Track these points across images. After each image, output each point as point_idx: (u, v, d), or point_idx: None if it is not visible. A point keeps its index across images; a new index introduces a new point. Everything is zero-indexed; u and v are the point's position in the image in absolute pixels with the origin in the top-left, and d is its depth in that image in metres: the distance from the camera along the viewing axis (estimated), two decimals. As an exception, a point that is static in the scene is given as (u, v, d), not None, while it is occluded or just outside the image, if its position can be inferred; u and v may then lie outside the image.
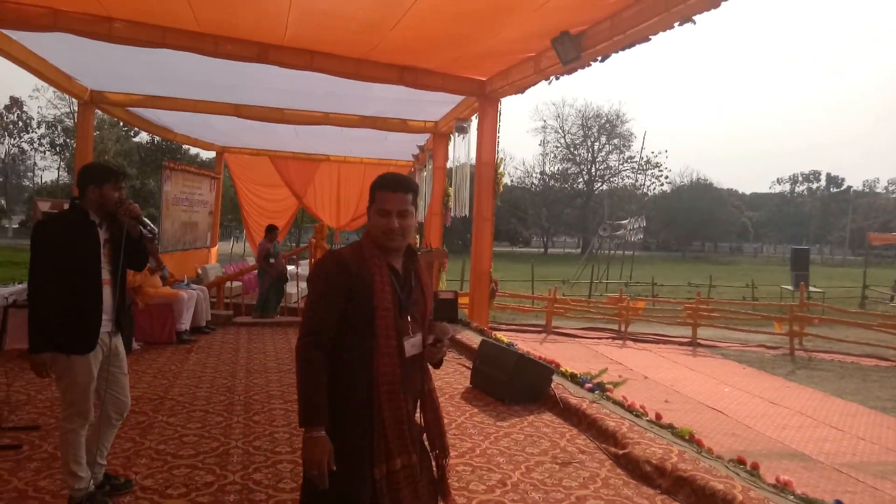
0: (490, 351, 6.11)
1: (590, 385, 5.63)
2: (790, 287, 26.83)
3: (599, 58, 6.54)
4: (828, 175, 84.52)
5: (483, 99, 9.03)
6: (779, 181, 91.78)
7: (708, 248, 78.60)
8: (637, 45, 5.87)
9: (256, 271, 11.67)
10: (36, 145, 53.18)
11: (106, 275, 3.24)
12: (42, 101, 64.36)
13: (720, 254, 75.64)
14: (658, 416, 4.80)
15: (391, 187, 2.16)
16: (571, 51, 6.48)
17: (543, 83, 7.86)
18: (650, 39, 5.70)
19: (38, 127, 52.27)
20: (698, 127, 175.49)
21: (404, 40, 7.04)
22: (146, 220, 3.34)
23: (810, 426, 9.02)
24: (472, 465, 4.05)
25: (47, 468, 3.73)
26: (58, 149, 51.87)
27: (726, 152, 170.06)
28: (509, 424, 4.95)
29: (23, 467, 3.73)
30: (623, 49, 6.19)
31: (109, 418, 3.35)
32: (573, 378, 5.84)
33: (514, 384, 5.53)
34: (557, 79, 7.53)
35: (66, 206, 3.48)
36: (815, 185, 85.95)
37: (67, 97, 46.66)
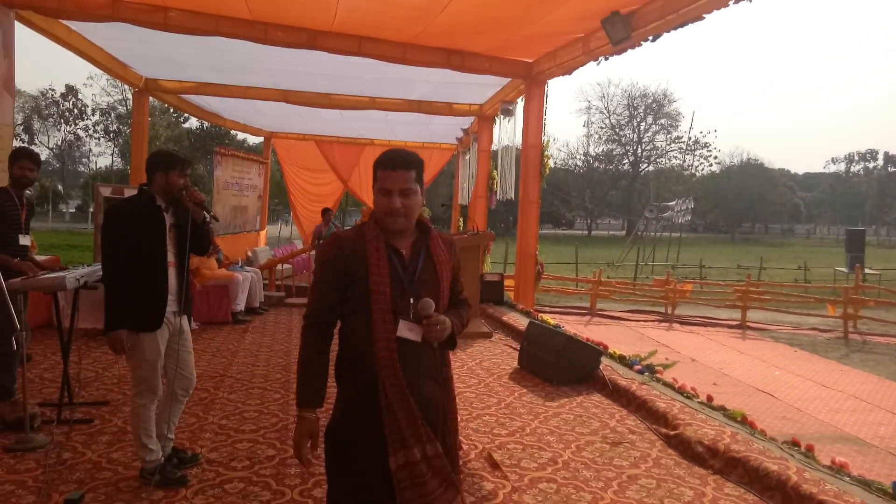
0: (538, 332, 6.15)
1: (639, 367, 5.64)
2: (844, 269, 26.07)
3: (650, 37, 6.44)
4: (885, 154, 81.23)
5: (530, 81, 8.98)
6: (833, 161, 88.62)
7: (758, 229, 76.70)
8: (689, 24, 5.77)
9: (312, 254, 11.99)
10: (91, 132, 54.80)
11: (171, 258, 3.40)
12: (96, 88, 66.19)
13: (771, 235, 73.79)
14: (709, 398, 4.79)
15: (392, 165, 2.05)
16: (622, 31, 6.40)
17: (591, 64, 7.79)
18: (703, 18, 5.59)
19: (93, 114, 53.85)
20: (749, 106, 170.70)
21: (452, 24, 7.06)
22: (208, 207, 3.49)
23: (864, 410, 8.83)
24: (523, 444, 4.11)
25: (118, 441, 3.93)
26: (111, 135, 53.41)
27: (778, 132, 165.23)
28: (558, 405, 5.00)
29: (95, 440, 3.94)
30: (675, 28, 6.08)
31: (176, 394, 3.52)
32: (622, 360, 5.85)
33: (562, 365, 5.57)
34: (606, 59, 7.44)
35: (126, 192, 3.64)
36: (871, 165, 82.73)
37: (120, 85, 47.96)
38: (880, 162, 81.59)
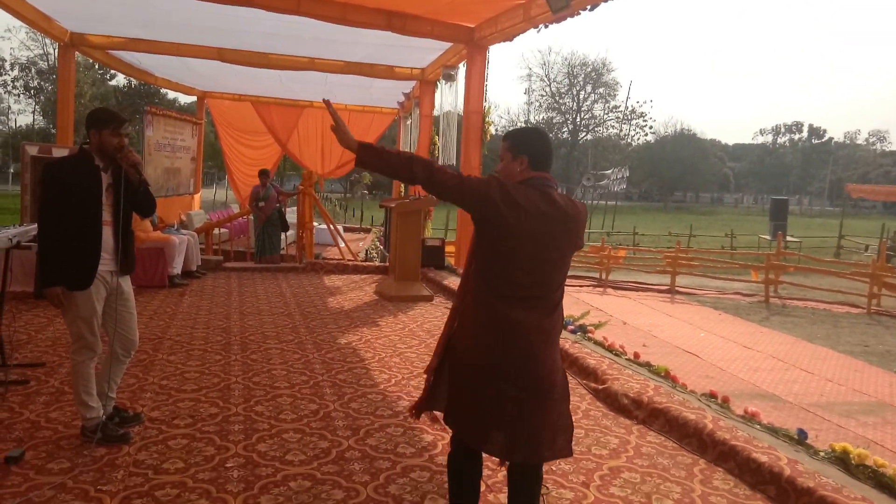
0: (477, 294, 6.30)
1: (572, 327, 5.88)
2: (768, 237, 27.35)
3: (589, 6, 6.56)
4: (810, 126, 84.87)
5: (471, 46, 9.01)
6: (761, 132, 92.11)
7: (690, 198, 79.23)
8: (625, -5, 5.90)
9: (249, 217, 11.83)
10: (9, 88, 51.64)
11: (107, 217, 3.38)
12: (14, 42, 62.37)
13: (701, 204, 76.37)
14: (636, 355, 5.06)
15: None
16: (561, -1, 6.50)
17: (532, 31, 7.88)
18: (638, -11, 5.73)
19: (12, 69, 50.68)
20: (683, 76, 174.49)
21: (393, -15, 7.01)
22: (141, 171, 3.46)
23: (781, 369, 9.42)
24: (462, 400, 4.28)
25: (56, 401, 3.90)
26: (32, 92, 50.49)
27: (711, 102, 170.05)
28: (496, 363, 5.18)
29: (32, 401, 3.90)
30: (612, -2, 6.23)
31: (117, 354, 3.52)
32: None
33: (499, 326, 5.73)
34: (546, 27, 7.54)
35: (54, 151, 3.59)
36: (797, 137, 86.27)
37: (41, 38, 45.29)
38: (805, 134, 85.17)
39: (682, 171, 67.87)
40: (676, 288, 16.31)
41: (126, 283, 3.54)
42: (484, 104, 9.28)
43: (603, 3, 6.46)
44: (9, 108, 54.74)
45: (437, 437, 3.64)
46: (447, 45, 9.83)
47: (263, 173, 10.87)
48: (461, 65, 9.93)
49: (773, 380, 8.78)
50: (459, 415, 2.38)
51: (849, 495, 2.80)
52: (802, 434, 3.43)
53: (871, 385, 8.92)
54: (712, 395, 4.07)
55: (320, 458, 3.28)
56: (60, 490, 2.85)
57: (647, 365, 4.74)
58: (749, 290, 16.62)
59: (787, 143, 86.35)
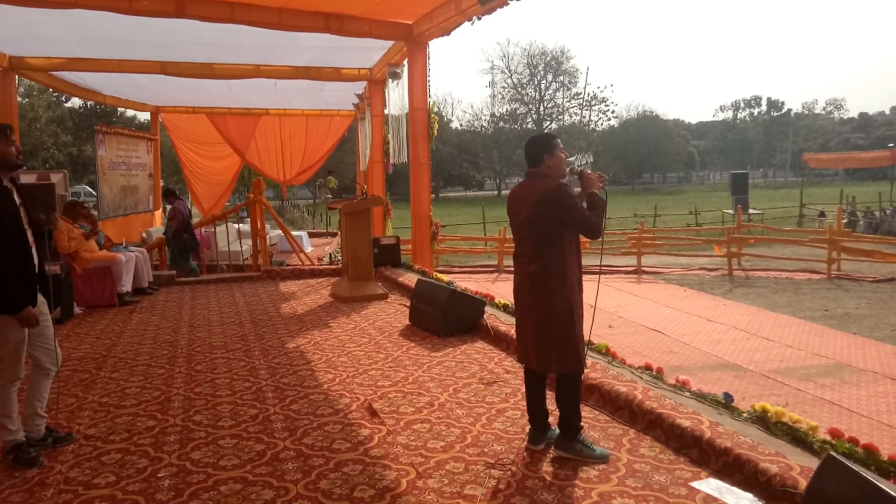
0: (425, 289, 6.34)
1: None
2: (731, 211, 27.78)
3: (515, -5, 6.62)
4: (768, 99, 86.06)
5: (411, 43, 9.04)
6: (721, 108, 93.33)
7: (657, 179, 79.93)
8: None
9: (205, 230, 11.85)
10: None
11: (29, 237, 3.36)
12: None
13: (668, 184, 77.09)
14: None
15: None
16: (487, -11, 6.56)
17: (467, 24, 7.92)
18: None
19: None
20: (642, 58, 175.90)
21: (323, -14, 7.00)
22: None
23: (743, 339, 9.59)
24: (404, 392, 4.31)
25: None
26: (-13, 120, 49.47)
27: (671, 82, 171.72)
28: (443, 354, 5.22)
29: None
30: (537, -15, 6.30)
31: (46, 370, 3.50)
32: (506, 308, 6.14)
33: (448, 318, 5.79)
34: (479, 19, 7.58)
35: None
36: (756, 111, 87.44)
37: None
38: (764, 107, 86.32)
39: (647, 153, 68.39)
40: (643, 268, 16.50)
41: (43, 301, 3.52)
42: (429, 100, 9.31)
43: (530, -9, 6.54)
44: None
45: (373, 430, 3.67)
46: (390, 43, 9.84)
47: (165, 192, 11.28)
48: (405, 62, 9.94)
49: (735, 350, 8.94)
50: None
51: (763, 451, 2.87)
52: (728, 398, 3.51)
53: (829, 348, 9.12)
54: (647, 367, 4.14)
55: (254, 461, 3.29)
56: (-15, 514, 2.84)
57: (589, 343, 4.79)
58: (713, 265, 16.86)
59: (748, 118, 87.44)
